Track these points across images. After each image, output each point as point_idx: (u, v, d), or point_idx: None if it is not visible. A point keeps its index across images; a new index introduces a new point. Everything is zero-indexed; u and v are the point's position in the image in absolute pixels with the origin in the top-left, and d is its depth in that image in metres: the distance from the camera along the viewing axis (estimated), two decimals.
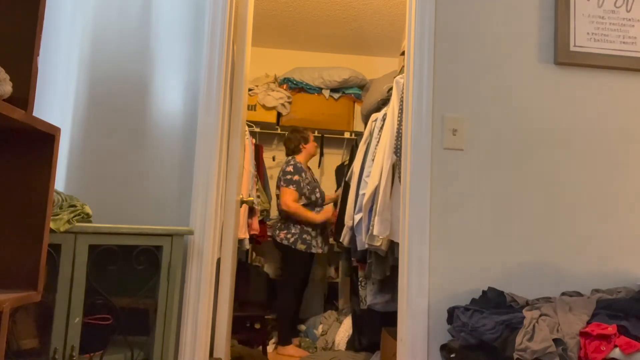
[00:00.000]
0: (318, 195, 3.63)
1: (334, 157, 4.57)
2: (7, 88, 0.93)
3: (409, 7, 2.07)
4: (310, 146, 3.74)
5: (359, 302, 3.10)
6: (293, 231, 3.53)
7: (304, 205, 3.55)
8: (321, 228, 3.62)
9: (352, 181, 3.14)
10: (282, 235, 3.54)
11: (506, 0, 2.04)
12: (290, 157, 3.71)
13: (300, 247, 3.51)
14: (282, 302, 3.56)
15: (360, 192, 2.83)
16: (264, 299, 3.69)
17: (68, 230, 1.47)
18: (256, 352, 3.23)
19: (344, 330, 3.53)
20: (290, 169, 3.58)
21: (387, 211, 2.53)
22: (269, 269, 4.24)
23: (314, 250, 3.56)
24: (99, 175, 1.87)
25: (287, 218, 3.55)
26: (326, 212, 3.64)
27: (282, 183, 3.53)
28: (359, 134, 3.81)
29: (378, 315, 2.98)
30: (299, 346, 3.56)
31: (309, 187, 3.58)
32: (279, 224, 3.61)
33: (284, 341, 3.47)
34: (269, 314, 3.64)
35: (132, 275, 1.61)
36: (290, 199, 3.47)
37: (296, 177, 3.53)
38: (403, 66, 2.47)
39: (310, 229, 3.55)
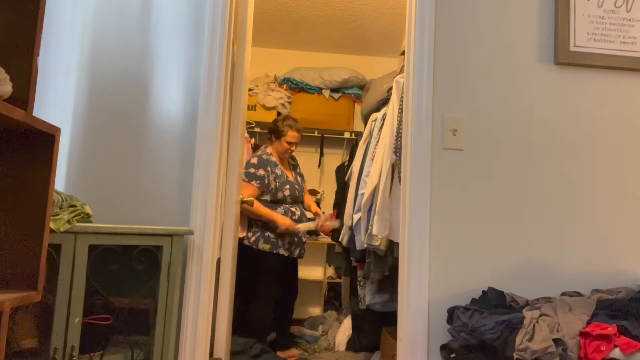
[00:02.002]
0: (287, 192, 3.07)
1: (334, 157, 4.57)
2: (7, 88, 0.94)
3: (409, 7, 2.07)
4: (279, 145, 3.16)
5: (358, 301, 3.11)
6: (254, 229, 3.00)
7: (267, 202, 3.02)
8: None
9: (352, 181, 3.14)
10: (242, 234, 2.97)
11: (506, 1, 2.04)
12: (262, 146, 3.24)
13: (264, 246, 2.98)
14: (253, 317, 2.97)
15: (360, 192, 2.83)
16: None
17: (68, 230, 1.47)
18: None
19: (344, 330, 3.52)
20: (254, 160, 3.03)
21: (386, 211, 2.53)
22: None
23: (280, 252, 3.02)
24: (99, 175, 1.87)
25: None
26: (285, 220, 2.99)
27: (244, 177, 2.91)
28: (359, 134, 3.80)
29: (378, 315, 2.98)
30: (302, 354, 3.42)
31: (276, 183, 3.05)
32: (255, 228, 3.05)
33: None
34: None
35: (132, 275, 1.61)
36: (247, 196, 2.81)
37: (260, 172, 2.99)
38: (403, 66, 2.47)
39: (274, 225, 2.99)
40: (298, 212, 3.13)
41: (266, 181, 3.00)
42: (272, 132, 3.21)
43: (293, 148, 3.20)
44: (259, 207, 2.96)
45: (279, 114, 4.26)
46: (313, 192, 4.28)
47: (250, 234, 3.01)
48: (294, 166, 3.35)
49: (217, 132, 1.92)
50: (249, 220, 3.02)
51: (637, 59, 2.04)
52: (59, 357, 1.44)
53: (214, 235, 1.91)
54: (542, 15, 2.05)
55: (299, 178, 3.29)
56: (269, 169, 3.03)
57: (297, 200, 3.18)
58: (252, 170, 2.99)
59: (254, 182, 2.97)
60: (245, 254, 2.91)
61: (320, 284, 4.29)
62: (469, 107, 1.98)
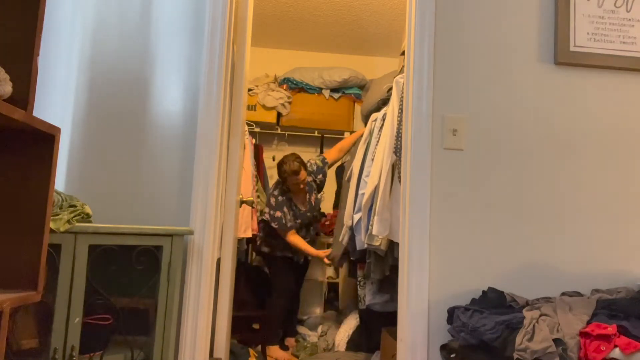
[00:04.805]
0: (299, 222, 3.49)
1: None
2: (7, 88, 0.93)
3: (409, 7, 2.07)
4: (288, 185, 3.39)
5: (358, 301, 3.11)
6: (260, 233, 3.53)
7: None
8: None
9: (352, 181, 3.14)
10: (247, 234, 3.39)
11: (506, 1, 2.04)
12: (276, 184, 3.52)
13: (264, 249, 3.52)
14: (269, 306, 3.54)
15: (360, 192, 2.82)
16: (264, 299, 3.68)
17: (68, 230, 1.47)
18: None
19: (344, 330, 3.52)
20: (272, 200, 3.41)
21: (386, 211, 2.53)
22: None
23: (282, 254, 3.51)
24: (99, 175, 1.87)
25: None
26: (318, 252, 3.41)
27: (268, 211, 3.41)
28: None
29: (378, 315, 2.97)
30: (296, 347, 3.56)
31: (291, 220, 3.43)
32: (260, 233, 3.55)
33: (269, 342, 3.47)
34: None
35: (132, 275, 1.61)
36: (286, 236, 3.40)
37: (277, 214, 3.38)
38: (403, 66, 2.47)
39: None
40: (307, 238, 3.58)
41: (283, 221, 3.39)
42: (281, 178, 3.42)
43: (300, 185, 3.38)
44: (298, 242, 3.41)
45: (279, 114, 4.27)
46: None
47: (257, 238, 3.53)
48: (310, 189, 3.57)
49: (217, 132, 1.92)
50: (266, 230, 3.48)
51: (637, 59, 2.04)
52: (59, 357, 1.44)
53: (214, 235, 1.91)
54: (542, 15, 2.05)
55: (313, 201, 3.58)
56: (285, 209, 3.40)
57: (309, 225, 3.62)
58: (272, 212, 3.39)
59: (274, 224, 3.39)
60: (261, 256, 3.57)
61: (321, 284, 4.29)
62: (469, 107, 1.98)
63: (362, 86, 4.36)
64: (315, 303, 4.24)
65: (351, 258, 3.14)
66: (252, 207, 3.40)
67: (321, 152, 4.51)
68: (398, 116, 2.49)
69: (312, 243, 3.68)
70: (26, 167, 1.05)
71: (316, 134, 4.40)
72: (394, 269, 2.39)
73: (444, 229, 1.91)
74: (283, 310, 3.55)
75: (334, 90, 4.34)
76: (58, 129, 1.07)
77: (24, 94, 0.99)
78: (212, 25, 1.94)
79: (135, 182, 1.88)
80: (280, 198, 3.41)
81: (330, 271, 4.32)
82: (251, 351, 3.09)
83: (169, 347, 1.62)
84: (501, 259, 1.92)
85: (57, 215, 1.47)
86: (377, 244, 2.55)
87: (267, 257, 3.58)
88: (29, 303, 1.11)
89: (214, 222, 1.90)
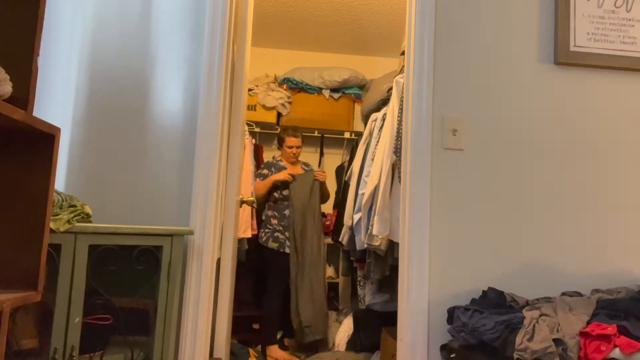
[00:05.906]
0: (286, 193, 3.57)
1: (334, 157, 4.57)
2: (7, 88, 0.93)
3: (409, 7, 2.07)
4: (284, 151, 3.67)
5: (358, 301, 3.11)
6: (266, 230, 3.53)
7: (271, 203, 3.58)
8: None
9: (352, 181, 3.14)
10: (260, 234, 3.54)
11: (506, 1, 2.04)
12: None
13: (272, 245, 3.49)
14: (265, 305, 3.53)
15: (360, 192, 2.83)
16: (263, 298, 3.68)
17: (68, 230, 1.47)
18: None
19: (344, 330, 3.52)
20: (263, 164, 3.78)
21: (386, 211, 2.53)
22: None
23: (287, 251, 3.50)
24: (99, 175, 1.87)
25: (263, 215, 3.58)
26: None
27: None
28: (359, 134, 3.80)
29: (378, 315, 2.98)
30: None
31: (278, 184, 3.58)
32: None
33: (268, 341, 3.48)
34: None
35: (132, 275, 1.61)
36: (256, 189, 3.52)
37: (265, 172, 3.59)
38: (403, 66, 2.47)
39: (282, 229, 3.52)
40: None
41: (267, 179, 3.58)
42: (278, 141, 3.76)
43: (294, 151, 3.66)
44: (260, 184, 3.53)
45: (279, 114, 4.27)
46: None
47: (262, 234, 3.53)
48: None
49: (217, 132, 1.92)
50: (265, 223, 3.55)
51: (637, 59, 2.04)
52: (59, 357, 1.44)
53: (214, 235, 1.91)
54: (542, 15, 2.05)
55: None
56: (273, 169, 3.60)
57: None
58: (259, 170, 3.67)
59: (258, 178, 3.57)
60: (259, 251, 3.53)
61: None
62: (469, 107, 1.98)
63: (362, 86, 4.36)
64: None
65: (351, 258, 3.15)
66: (252, 207, 3.41)
67: (321, 152, 4.51)
68: (398, 116, 2.49)
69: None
70: (26, 167, 1.05)
71: (316, 134, 4.40)
72: (394, 269, 2.39)
73: (444, 229, 1.91)
74: (279, 308, 3.53)
75: (334, 90, 4.34)
76: (58, 129, 1.07)
77: (24, 94, 0.99)
78: (212, 25, 1.94)
79: (135, 181, 1.88)
80: (272, 160, 3.71)
81: (330, 271, 4.32)
82: (251, 351, 3.09)
83: (169, 347, 1.62)
84: (501, 259, 1.92)
85: (57, 215, 1.47)
86: (377, 243, 2.55)
87: (267, 253, 3.51)
88: (29, 303, 1.11)
89: (214, 222, 1.90)
